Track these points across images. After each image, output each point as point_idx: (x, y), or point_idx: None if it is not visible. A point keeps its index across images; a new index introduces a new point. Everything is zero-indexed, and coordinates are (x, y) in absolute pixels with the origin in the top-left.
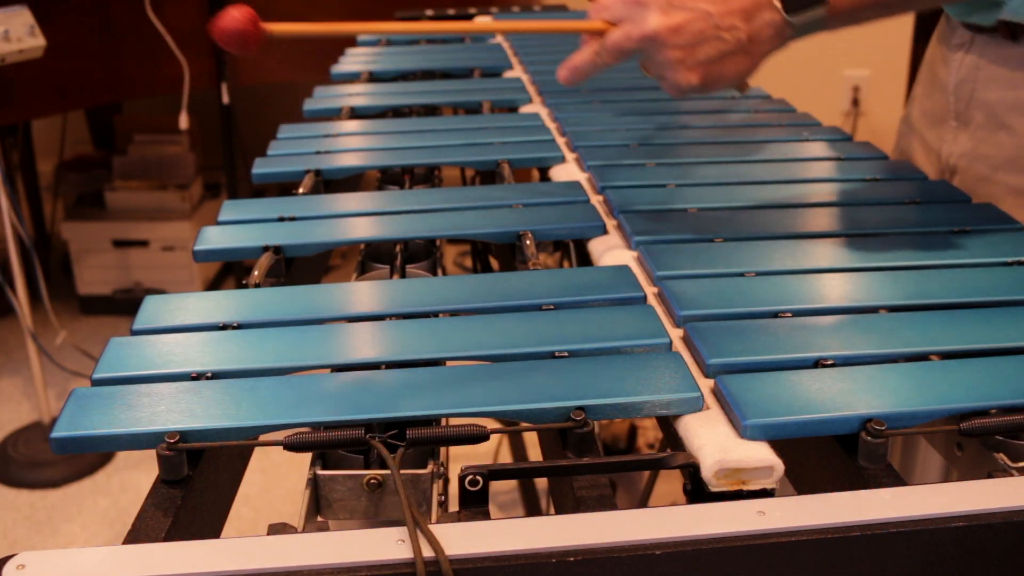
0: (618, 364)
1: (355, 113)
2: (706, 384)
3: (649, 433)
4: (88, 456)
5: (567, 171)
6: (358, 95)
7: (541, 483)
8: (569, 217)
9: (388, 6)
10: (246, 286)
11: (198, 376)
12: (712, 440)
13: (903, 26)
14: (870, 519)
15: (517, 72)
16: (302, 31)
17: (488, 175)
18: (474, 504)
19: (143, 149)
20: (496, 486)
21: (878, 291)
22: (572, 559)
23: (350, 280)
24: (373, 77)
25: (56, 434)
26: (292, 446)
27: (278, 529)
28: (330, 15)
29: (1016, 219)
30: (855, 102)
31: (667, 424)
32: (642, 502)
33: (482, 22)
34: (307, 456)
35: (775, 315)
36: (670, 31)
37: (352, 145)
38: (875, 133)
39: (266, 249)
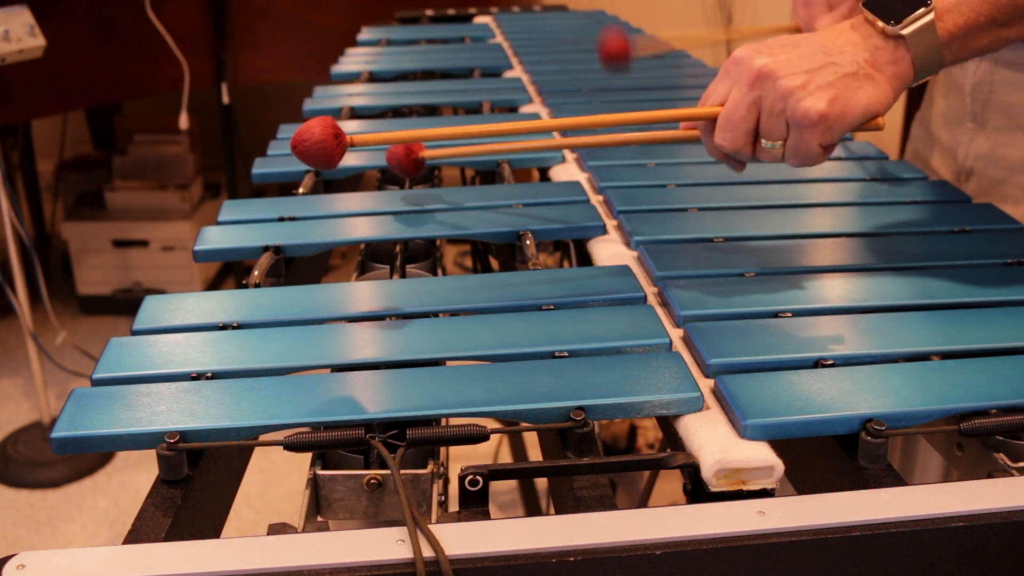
0: (618, 364)
1: (355, 113)
2: (706, 384)
3: (649, 433)
4: (88, 456)
5: (567, 171)
6: (358, 95)
7: (541, 483)
8: (569, 217)
9: (388, 6)
10: (246, 286)
11: (198, 376)
12: (712, 440)
13: None
14: (870, 519)
15: (517, 72)
16: (381, 140)
17: (488, 175)
18: (474, 504)
19: (143, 149)
20: (496, 486)
21: (878, 291)
22: (572, 559)
23: (350, 280)
24: (373, 77)
25: (56, 434)
26: (292, 446)
27: (278, 529)
28: (330, 15)
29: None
30: None
31: (667, 424)
32: (642, 502)
33: (569, 120)
34: (307, 456)
35: (775, 315)
36: (781, 63)
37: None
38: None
39: (266, 249)
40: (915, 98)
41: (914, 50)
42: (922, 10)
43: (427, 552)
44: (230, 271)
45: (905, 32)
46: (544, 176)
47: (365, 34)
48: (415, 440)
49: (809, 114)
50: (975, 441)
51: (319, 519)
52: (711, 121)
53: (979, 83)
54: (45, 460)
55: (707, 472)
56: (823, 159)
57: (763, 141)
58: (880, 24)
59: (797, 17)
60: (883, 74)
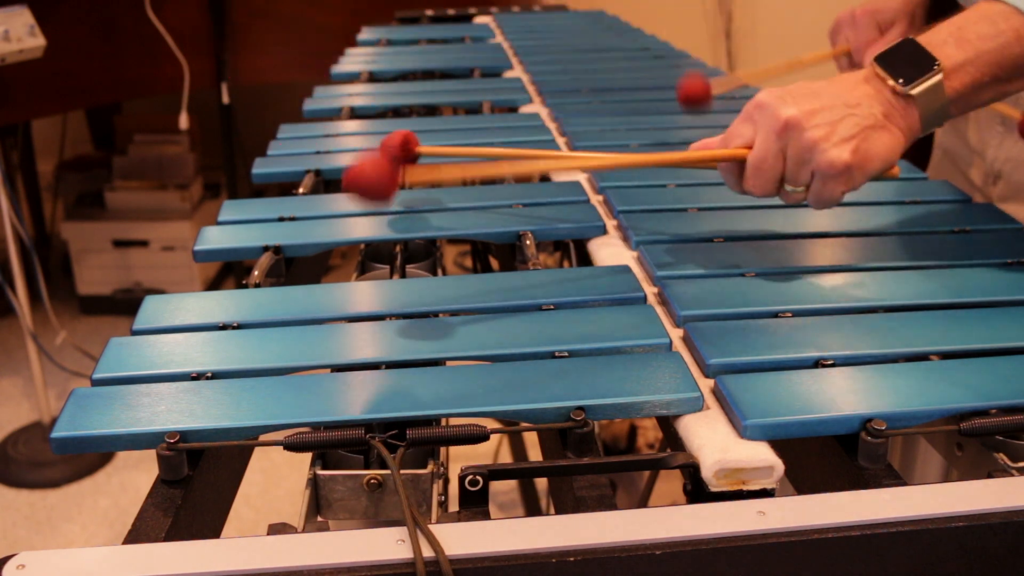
0: (618, 364)
1: (355, 113)
2: (706, 384)
3: (649, 433)
4: (88, 456)
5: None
6: (358, 95)
7: (541, 483)
8: (569, 217)
9: (388, 6)
10: (246, 286)
11: (198, 376)
12: (712, 440)
13: None
14: (870, 519)
15: (517, 72)
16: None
17: None
18: (474, 504)
19: (143, 149)
20: (496, 486)
21: (878, 291)
22: (572, 559)
23: (350, 280)
24: (373, 77)
25: (56, 434)
26: (292, 446)
27: (278, 529)
28: (330, 15)
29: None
30: None
31: (667, 424)
32: (642, 502)
33: (596, 159)
34: (307, 456)
35: (775, 315)
36: (806, 115)
37: (352, 145)
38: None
39: (266, 249)
40: None
41: (922, 107)
42: (931, 72)
43: (427, 552)
44: (230, 271)
45: (914, 92)
46: (544, 176)
47: (365, 34)
48: (415, 440)
49: (835, 164)
50: (975, 441)
51: (319, 519)
52: (737, 163)
53: None
54: (45, 460)
55: (707, 472)
56: (836, 203)
57: (787, 186)
58: (891, 83)
59: (843, 39)
60: (896, 126)
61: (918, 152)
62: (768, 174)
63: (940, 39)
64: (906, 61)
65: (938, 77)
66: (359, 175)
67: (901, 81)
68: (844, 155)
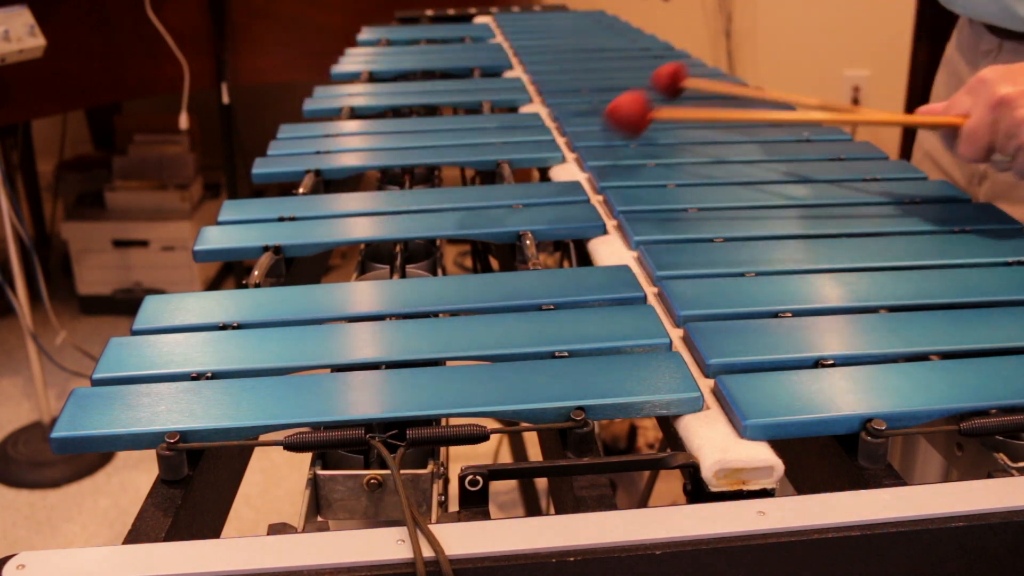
0: (618, 364)
1: (355, 113)
2: (706, 384)
3: (649, 433)
4: (88, 456)
5: (567, 171)
6: (358, 95)
7: (541, 483)
8: (569, 217)
9: (388, 6)
10: (246, 286)
11: (198, 376)
12: (712, 440)
13: (903, 26)
14: (870, 519)
15: (517, 72)
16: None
17: (488, 175)
18: (474, 504)
19: (143, 149)
20: (496, 486)
21: (878, 291)
22: (572, 559)
23: (350, 280)
24: (373, 77)
25: (56, 434)
26: (292, 446)
27: (278, 529)
28: (330, 15)
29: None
30: (855, 102)
31: (667, 424)
32: (642, 502)
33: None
34: (307, 456)
35: (775, 315)
36: (1020, 94)
37: (352, 145)
38: (875, 133)
39: (266, 249)
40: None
41: None
42: None
43: (427, 552)
44: (230, 271)
45: None
46: (544, 176)
47: (365, 34)
48: (415, 440)
49: None
50: (975, 441)
51: (319, 519)
52: (954, 129)
53: None
54: (45, 460)
55: (707, 472)
56: None
57: (996, 156)
58: None
59: (958, 109)
60: None
61: (904, 150)
62: (980, 143)
63: None
64: None
65: None
66: (616, 108)
67: None
68: None
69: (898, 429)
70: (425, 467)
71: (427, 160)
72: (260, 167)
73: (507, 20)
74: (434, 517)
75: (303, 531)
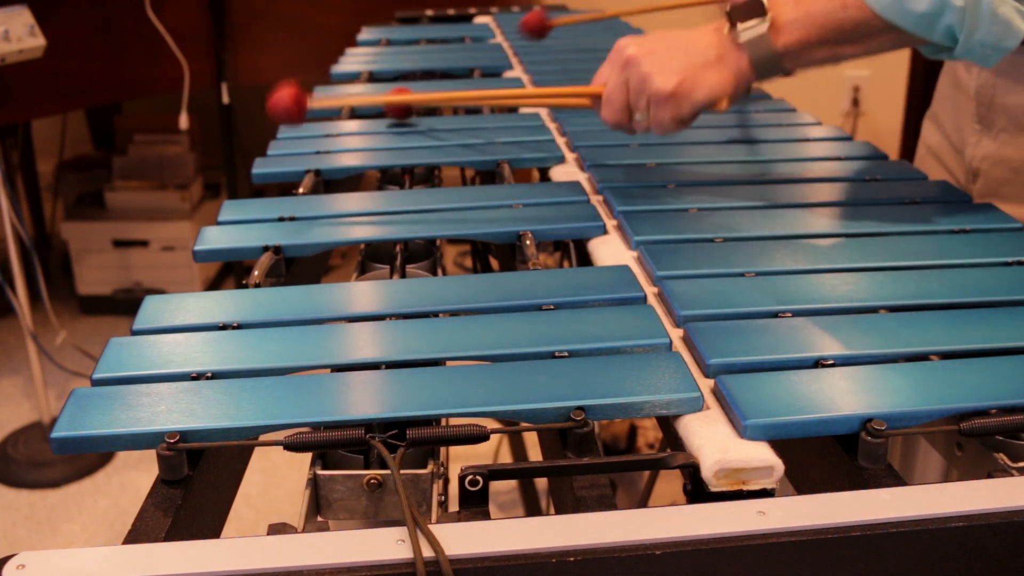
0: (618, 364)
1: (355, 113)
2: (706, 384)
3: (649, 433)
4: (88, 456)
5: (567, 171)
6: (358, 95)
7: (541, 483)
8: (569, 217)
9: (388, 6)
10: (246, 286)
11: (198, 376)
12: (712, 440)
13: None
14: (870, 519)
15: (517, 72)
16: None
17: (488, 175)
18: (474, 504)
19: (143, 149)
20: (496, 486)
21: (878, 291)
22: (572, 559)
23: (350, 280)
24: (373, 77)
25: (56, 434)
26: (292, 446)
27: (278, 529)
28: (330, 15)
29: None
30: (855, 102)
31: (667, 424)
32: (642, 502)
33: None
34: (307, 456)
35: (775, 315)
36: (645, 53)
37: (352, 145)
38: (875, 133)
39: (266, 249)
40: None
41: (752, 54)
42: (756, 21)
43: (427, 552)
44: (230, 271)
45: (741, 40)
46: (544, 176)
47: (365, 34)
48: (415, 440)
49: (661, 92)
50: (975, 441)
51: (319, 519)
52: (598, 98)
53: (983, 86)
54: (45, 460)
55: (707, 472)
56: (677, 129)
57: (635, 114)
58: (725, 29)
59: (600, 79)
60: (727, 68)
61: (903, 150)
62: (616, 104)
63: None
64: (746, 12)
65: (763, 28)
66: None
67: (733, 29)
68: (669, 85)
69: (898, 429)
70: (425, 467)
71: (427, 160)
72: (260, 167)
73: (507, 20)
74: (434, 517)
75: (303, 531)
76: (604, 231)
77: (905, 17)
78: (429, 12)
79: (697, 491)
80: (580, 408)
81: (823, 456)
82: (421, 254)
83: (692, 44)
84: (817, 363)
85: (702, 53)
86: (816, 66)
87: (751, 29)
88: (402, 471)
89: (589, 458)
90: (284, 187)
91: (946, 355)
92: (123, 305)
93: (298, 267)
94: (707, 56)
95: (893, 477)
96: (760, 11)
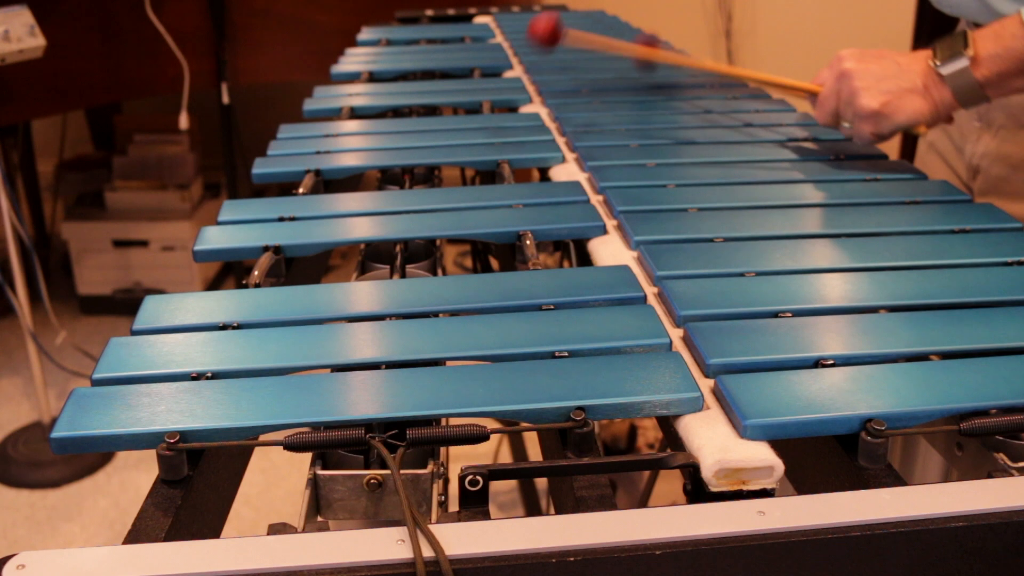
0: (618, 364)
1: (355, 113)
2: (706, 384)
3: (649, 433)
4: (88, 456)
5: (567, 171)
6: (358, 95)
7: (541, 483)
8: (569, 217)
9: (388, 6)
10: (246, 286)
11: (198, 376)
12: (712, 440)
13: (903, 26)
14: (870, 519)
15: (517, 72)
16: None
17: (488, 175)
18: (474, 504)
19: (143, 149)
20: (496, 486)
21: (878, 291)
22: (572, 559)
23: (350, 280)
24: (373, 77)
25: (56, 434)
26: (292, 446)
27: (278, 529)
28: (330, 15)
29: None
30: None
31: (667, 424)
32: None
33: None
34: (307, 456)
35: (775, 315)
36: (860, 70)
37: (352, 145)
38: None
39: (266, 249)
40: None
41: (953, 85)
42: (960, 58)
43: (427, 552)
44: (230, 271)
45: (944, 72)
46: (544, 176)
47: (365, 34)
48: (415, 440)
49: (865, 108)
50: (975, 441)
51: (319, 519)
52: (814, 94)
53: None
54: (45, 460)
55: (707, 472)
56: (876, 142)
57: (842, 121)
58: (930, 61)
59: (820, 80)
60: (929, 98)
61: (905, 146)
62: (827, 108)
63: (983, 34)
64: (949, 46)
65: (964, 63)
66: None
67: (936, 62)
68: (874, 104)
69: (898, 429)
70: (425, 467)
71: (427, 160)
72: (260, 167)
73: (507, 20)
74: (434, 517)
75: (303, 531)
76: (604, 231)
77: None
78: (429, 12)
79: (697, 491)
80: (580, 408)
81: (823, 456)
82: (421, 254)
83: (903, 70)
84: (817, 363)
85: (910, 80)
86: (1017, 93)
87: (953, 63)
88: (402, 471)
89: (589, 458)
90: (284, 187)
91: (946, 355)
92: (123, 305)
93: (298, 267)
94: (914, 83)
95: (893, 477)
96: (963, 46)
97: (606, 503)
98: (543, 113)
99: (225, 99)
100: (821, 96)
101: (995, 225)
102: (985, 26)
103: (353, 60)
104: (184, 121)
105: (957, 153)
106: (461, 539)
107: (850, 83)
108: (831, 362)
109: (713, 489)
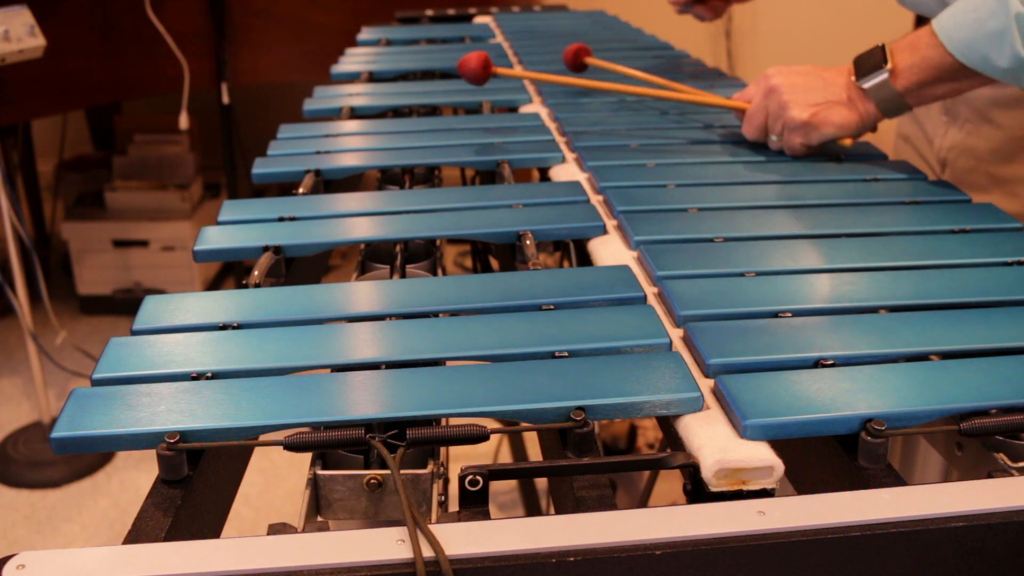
0: (618, 364)
1: (355, 113)
2: (706, 384)
3: (649, 433)
4: (88, 456)
5: (567, 171)
6: (358, 95)
7: (541, 483)
8: (569, 217)
9: (388, 6)
10: (246, 286)
11: (198, 376)
12: (712, 440)
13: (903, 26)
14: (870, 519)
15: (517, 72)
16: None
17: (488, 175)
18: (474, 504)
19: (143, 149)
20: (496, 486)
21: (878, 291)
22: (572, 559)
23: (350, 280)
24: (373, 77)
25: (56, 434)
26: (292, 446)
27: (278, 529)
28: (330, 15)
29: (1002, 210)
30: None
31: (667, 424)
32: (642, 502)
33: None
34: (307, 456)
35: (775, 315)
36: (787, 84)
37: (352, 145)
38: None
39: (266, 249)
40: None
41: (876, 97)
42: (879, 71)
43: (427, 552)
44: (230, 271)
45: (864, 86)
46: (544, 176)
47: (365, 34)
48: (415, 440)
49: (795, 120)
50: (975, 441)
51: (319, 519)
52: (742, 111)
53: None
54: (45, 460)
55: (707, 472)
56: (806, 153)
57: (771, 135)
58: (851, 77)
59: (747, 96)
60: (855, 110)
61: (877, 141)
62: (755, 123)
63: (900, 45)
64: (869, 60)
65: (883, 76)
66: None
67: (855, 77)
68: (803, 115)
69: (898, 429)
70: (425, 467)
71: (427, 160)
72: (260, 167)
73: (507, 20)
74: (434, 517)
75: (303, 531)
76: (604, 231)
77: (994, 72)
78: (429, 12)
79: (697, 491)
80: (580, 408)
81: (823, 456)
82: (421, 254)
83: (828, 84)
84: (817, 363)
85: (835, 92)
86: (940, 99)
87: (874, 77)
88: (402, 471)
89: (589, 458)
90: (284, 187)
91: (946, 355)
92: (123, 305)
93: (298, 267)
94: (840, 96)
95: (893, 477)
96: (881, 59)
97: (606, 503)
98: (543, 113)
99: (225, 99)
100: (749, 112)
101: (995, 225)
102: (902, 37)
103: (353, 60)
104: (184, 121)
105: (928, 145)
106: (461, 539)
107: (779, 97)
108: (831, 362)
109: (713, 489)
